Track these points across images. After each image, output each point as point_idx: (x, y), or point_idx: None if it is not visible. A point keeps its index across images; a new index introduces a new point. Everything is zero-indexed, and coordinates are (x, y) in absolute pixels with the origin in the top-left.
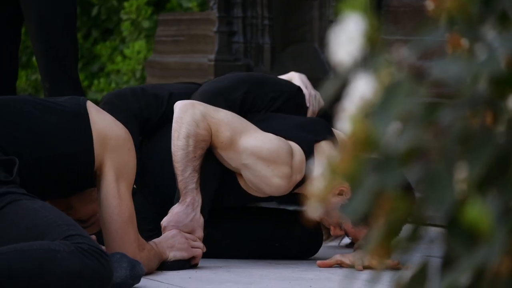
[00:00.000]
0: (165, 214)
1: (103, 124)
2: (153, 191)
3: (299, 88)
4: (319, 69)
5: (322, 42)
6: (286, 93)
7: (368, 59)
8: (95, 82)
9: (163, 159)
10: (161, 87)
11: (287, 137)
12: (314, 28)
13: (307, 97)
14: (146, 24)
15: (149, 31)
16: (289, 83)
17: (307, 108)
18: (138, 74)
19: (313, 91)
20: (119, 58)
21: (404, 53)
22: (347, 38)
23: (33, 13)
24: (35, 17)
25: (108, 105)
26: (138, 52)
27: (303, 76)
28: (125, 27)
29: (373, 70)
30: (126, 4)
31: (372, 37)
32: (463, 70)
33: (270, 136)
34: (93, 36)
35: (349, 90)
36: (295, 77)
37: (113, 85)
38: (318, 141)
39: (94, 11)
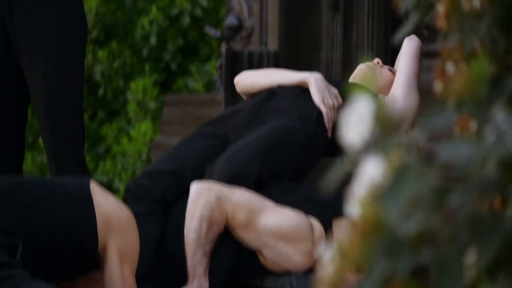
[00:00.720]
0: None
1: (107, 206)
2: (169, 263)
3: (318, 116)
4: None
5: None
6: (303, 143)
7: (378, 140)
8: (101, 164)
9: (180, 238)
10: (180, 157)
11: (305, 211)
12: None
13: (325, 117)
14: (152, 105)
15: (155, 112)
16: (305, 123)
17: (327, 131)
18: (144, 156)
19: (330, 101)
20: (125, 140)
21: (413, 135)
22: (357, 119)
23: (41, 94)
24: (42, 98)
25: (132, 196)
26: (144, 133)
27: (319, 80)
28: (131, 108)
29: (383, 152)
30: (132, 84)
31: (382, 119)
32: (472, 153)
33: (289, 213)
34: (99, 117)
35: (359, 172)
36: (310, 83)
37: (119, 167)
38: (336, 216)
39: (100, 91)
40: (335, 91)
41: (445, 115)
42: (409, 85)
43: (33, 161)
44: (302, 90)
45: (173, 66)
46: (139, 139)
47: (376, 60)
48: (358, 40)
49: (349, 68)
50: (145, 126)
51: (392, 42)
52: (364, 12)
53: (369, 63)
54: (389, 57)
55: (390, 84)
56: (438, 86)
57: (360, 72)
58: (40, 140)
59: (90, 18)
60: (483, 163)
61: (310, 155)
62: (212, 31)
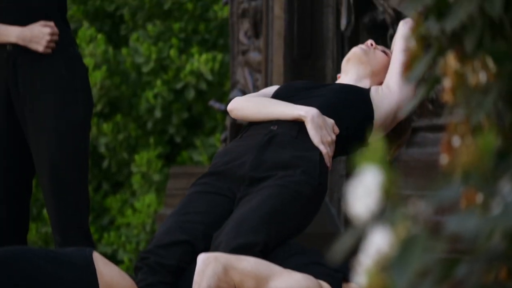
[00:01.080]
0: None
1: (110, 275)
2: None
3: (320, 161)
4: (330, 223)
5: (332, 196)
6: (308, 196)
7: (385, 212)
8: (105, 235)
9: None
10: (190, 222)
11: (314, 274)
12: None
13: (325, 157)
14: (156, 177)
15: (159, 185)
16: (309, 174)
17: (328, 169)
18: (148, 228)
19: (328, 138)
20: (129, 211)
21: (420, 208)
22: (364, 191)
23: (45, 166)
24: (47, 170)
25: (146, 267)
26: (149, 206)
27: (315, 118)
28: (136, 180)
29: (390, 223)
30: (136, 157)
31: (389, 191)
32: (478, 225)
33: (298, 276)
34: (104, 189)
35: (366, 243)
36: (307, 122)
37: (123, 238)
38: (345, 280)
39: (105, 164)
40: (330, 122)
41: (451, 189)
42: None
43: (38, 232)
44: (299, 130)
45: (178, 139)
46: (143, 211)
47: (370, 41)
48: None
49: None
50: (150, 198)
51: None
52: None
53: (363, 46)
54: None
55: (384, 67)
56: (444, 159)
57: (353, 55)
58: (45, 212)
59: (95, 92)
60: (490, 235)
61: (314, 205)
62: (216, 105)
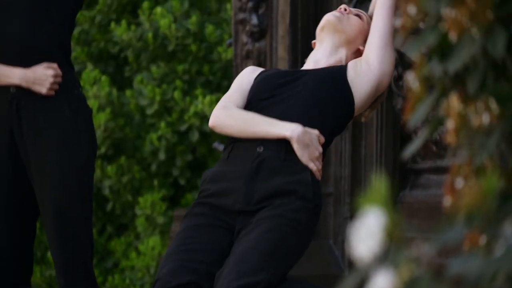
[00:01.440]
0: None
1: None
2: None
3: (312, 181)
4: (334, 265)
5: (336, 239)
6: (306, 221)
7: (388, 254)
8: (110, 278)
9: None
10: (193, 261)
11: None
12: (329, 225)
13: (316, 173)
14: (160, 219)
15: (163, 227)
16: (304, 198)
17: (320, 183)
18: (152, 271)
19: (316, 153)
20: (133, 254)
21: (424, 249)
22: (367, 233)
23: (49, 208)
24: (51, 212)
25: None
26: (153, 248)
27: (300, 136)
28: (140, 222)
29: (393, 265)
30: (140, 199)
31: (393, 233)
32: (482, 266)
33: None
34: (108, 231)
35: (369, 285)
36: (293, 142)
37: (127, 281)
38: None
39: (109, 206)
40: (315, 134)
41: (455, 230)
42: (384, 46)
43: (42, 275)
44: (286, 150)
45: (182, 181)
46: (147, 253)
47: (343, 6)
48: (367, 156)
49: (358, 184)
50: (154, 241)
51: (401, 158)
52: (373, 128)
53: (336, 13)
54: (398, 174)
55: (360, 32)
56: (447, 201)
57: (328, 23)
58: (49, 255)
59: (99, 134)
60: (493, 277)
61: (312, 229)
62: (220, 147)
